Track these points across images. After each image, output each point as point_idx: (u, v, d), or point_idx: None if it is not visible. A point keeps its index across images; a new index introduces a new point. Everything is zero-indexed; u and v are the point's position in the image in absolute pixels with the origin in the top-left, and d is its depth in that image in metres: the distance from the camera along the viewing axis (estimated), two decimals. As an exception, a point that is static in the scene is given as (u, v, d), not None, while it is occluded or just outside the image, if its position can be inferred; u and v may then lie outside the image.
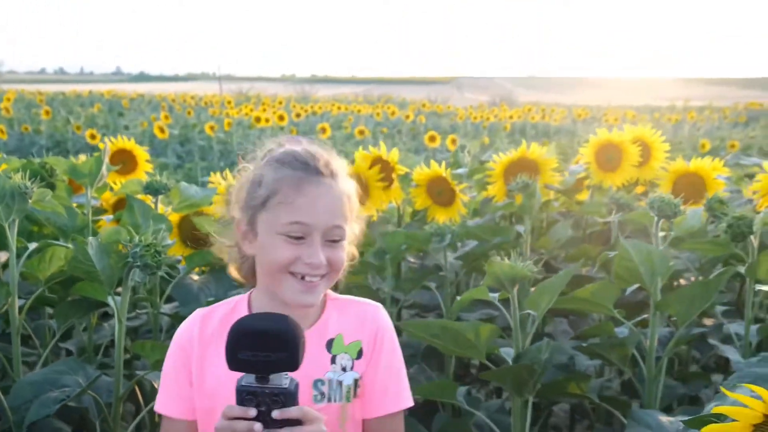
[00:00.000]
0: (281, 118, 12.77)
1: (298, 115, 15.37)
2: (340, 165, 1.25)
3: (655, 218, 1.80)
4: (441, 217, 2.80)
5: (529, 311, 1.75)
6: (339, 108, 20.27)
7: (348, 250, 1.25)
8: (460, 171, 3.06)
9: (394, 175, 2.85)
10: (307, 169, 1.19)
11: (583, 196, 2.98)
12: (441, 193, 2.83)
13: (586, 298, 1.83)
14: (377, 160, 2.86)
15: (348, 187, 1.24)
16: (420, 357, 2.28)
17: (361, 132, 11.91)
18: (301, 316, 1.18)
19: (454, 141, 10.16)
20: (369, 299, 1.36)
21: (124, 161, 3.02)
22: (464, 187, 2.84)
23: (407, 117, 16.05)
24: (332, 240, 1.20)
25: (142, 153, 3.00)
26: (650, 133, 2.93)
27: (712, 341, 1.82)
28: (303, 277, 1.19)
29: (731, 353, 1.77)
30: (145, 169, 3.00)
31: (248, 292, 1.31)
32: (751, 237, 1.86)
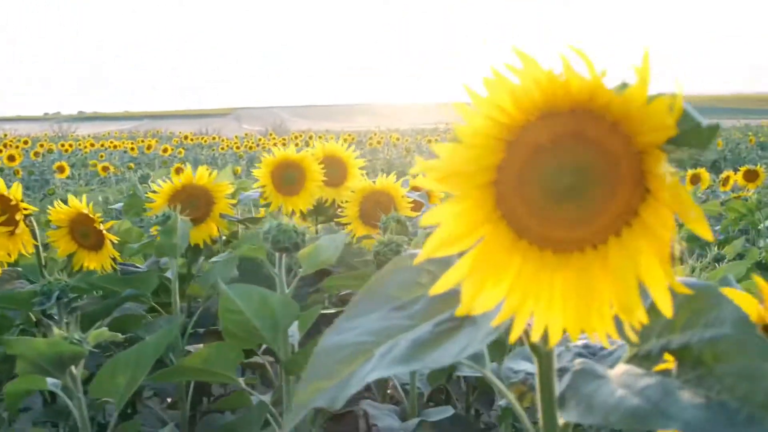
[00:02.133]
0: (11, 158, 11.31)
1: (36, 155, 13.84)
2: None
3: (277, 253, 1.37)
4: (91, 265, 2.26)
5: (107, 399, 1.23)
6: (93, 145, 18.66)
7: None
8: (117, 206, 2.49)
9: (18, 216, 2.22)
10: None
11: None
12: (86, 234, 2.26)
13: (198, 367, 1.35)
14: (-4, 199, 2.22)
15: None
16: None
17: (105, 169, 10.84)
18: None
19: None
20: None
21: None
22: (111, 226, 2.29)
23: (164, 151, 15.06)
24: None
25: None
26: (342, 149, 2.60)
27: (366, 406, 1.42)
28: None
29: (384, 418, 1.37)
30: None
31: None
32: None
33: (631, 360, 0.67)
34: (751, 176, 5.08)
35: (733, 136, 21.06)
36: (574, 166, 0.56)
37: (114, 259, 2.32)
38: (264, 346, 1.54)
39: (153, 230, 2.10)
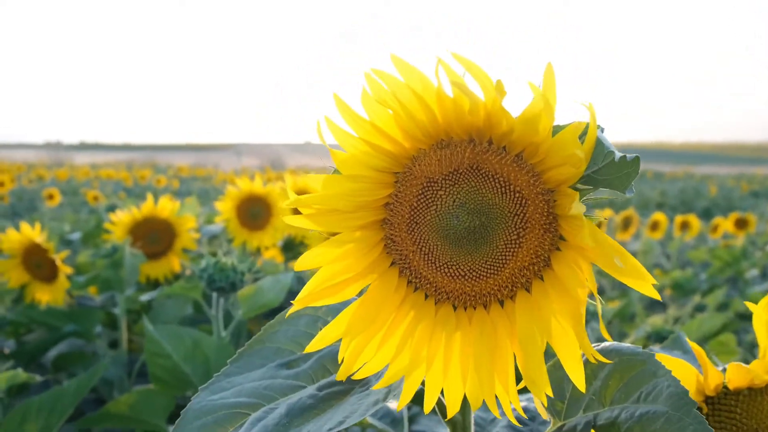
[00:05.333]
0: (0, 184, 11.23)
1: (30, 181, 13.86)
2: None
3: (214, 294, 1.27)
4: (44, 297, 2.16)
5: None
6: (88, 174, 18.68)
7: None
8: (74, 236, 2.39)
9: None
10: None
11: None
12: (40, 265, 2.16)
13: (123, 413, 1.24)
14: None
15: None
16: None
17: (95, 198, 10.76)
18: None
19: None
20: None
21: None
22: (65, 256, 2.19)
23: (158, 182, 15.03)
24: None
25: None
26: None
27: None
28: None
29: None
30: None
31: None
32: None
33: (553, 435, 0.57)
34: (742, 224, 5.01)
35: (728, 184, 21.10)
36: (474, 205, 0.46)
37: (70, 293, 2.23)
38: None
39: (99, 263, 2.00)
